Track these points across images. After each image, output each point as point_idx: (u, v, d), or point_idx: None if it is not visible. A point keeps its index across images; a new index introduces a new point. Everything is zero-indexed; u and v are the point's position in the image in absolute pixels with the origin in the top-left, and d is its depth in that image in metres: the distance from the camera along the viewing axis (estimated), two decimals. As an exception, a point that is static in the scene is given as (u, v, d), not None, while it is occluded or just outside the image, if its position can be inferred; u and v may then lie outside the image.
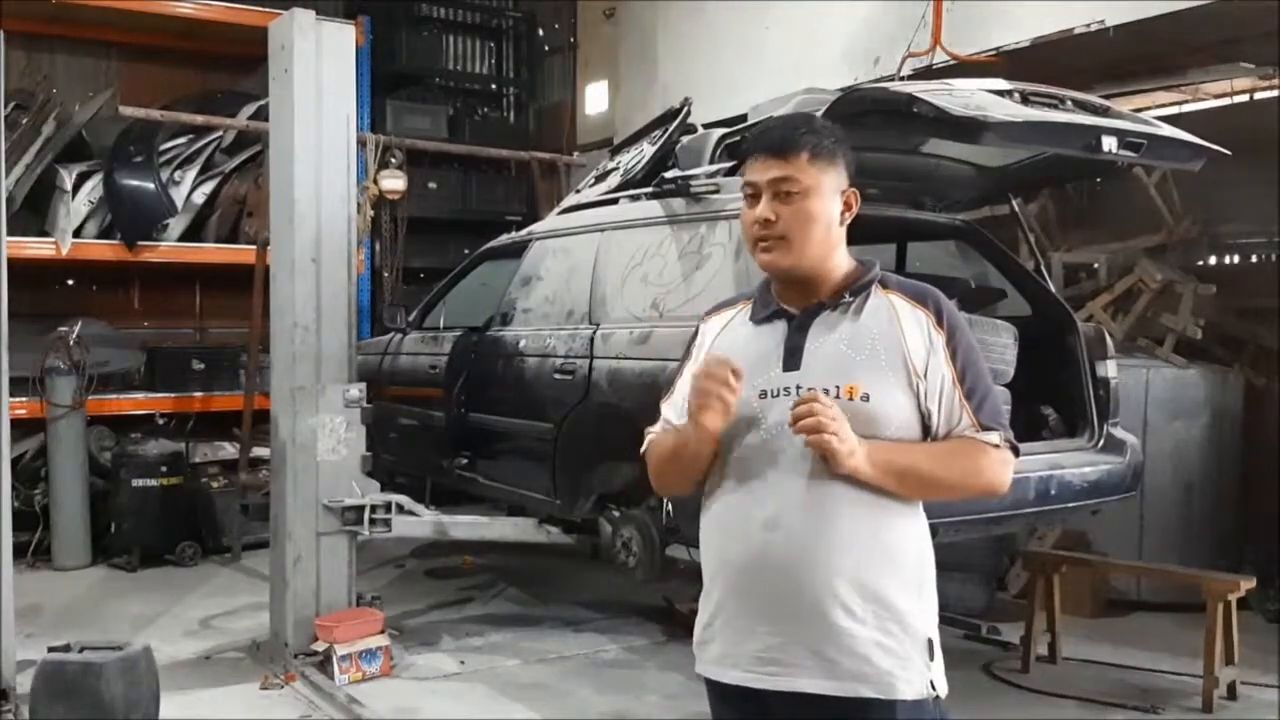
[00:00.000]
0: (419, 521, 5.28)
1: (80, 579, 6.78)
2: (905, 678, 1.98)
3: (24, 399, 6.72)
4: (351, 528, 5.03)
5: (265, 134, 6.35)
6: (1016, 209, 5.36)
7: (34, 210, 7.30)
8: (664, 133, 5.25)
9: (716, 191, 4.51)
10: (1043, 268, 5.16)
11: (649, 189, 5.01)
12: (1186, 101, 6.50)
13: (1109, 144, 3.82)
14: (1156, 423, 6.00)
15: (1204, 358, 6.35)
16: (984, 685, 4.89)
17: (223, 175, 7.95)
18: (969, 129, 3.65)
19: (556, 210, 6.23)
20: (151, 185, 7.39)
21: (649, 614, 5.93)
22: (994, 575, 5.92)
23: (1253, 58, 5.66)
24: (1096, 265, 6.79)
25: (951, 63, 5.97)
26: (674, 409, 2.22)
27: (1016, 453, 2.10)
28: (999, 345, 4.18)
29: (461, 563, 7.04)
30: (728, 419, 2.02)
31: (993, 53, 5.85)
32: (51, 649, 4.00)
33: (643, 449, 2.26)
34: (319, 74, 4.95)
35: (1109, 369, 4.75)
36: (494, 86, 10.06)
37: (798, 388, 2.02)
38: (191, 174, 7.75)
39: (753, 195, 2.11)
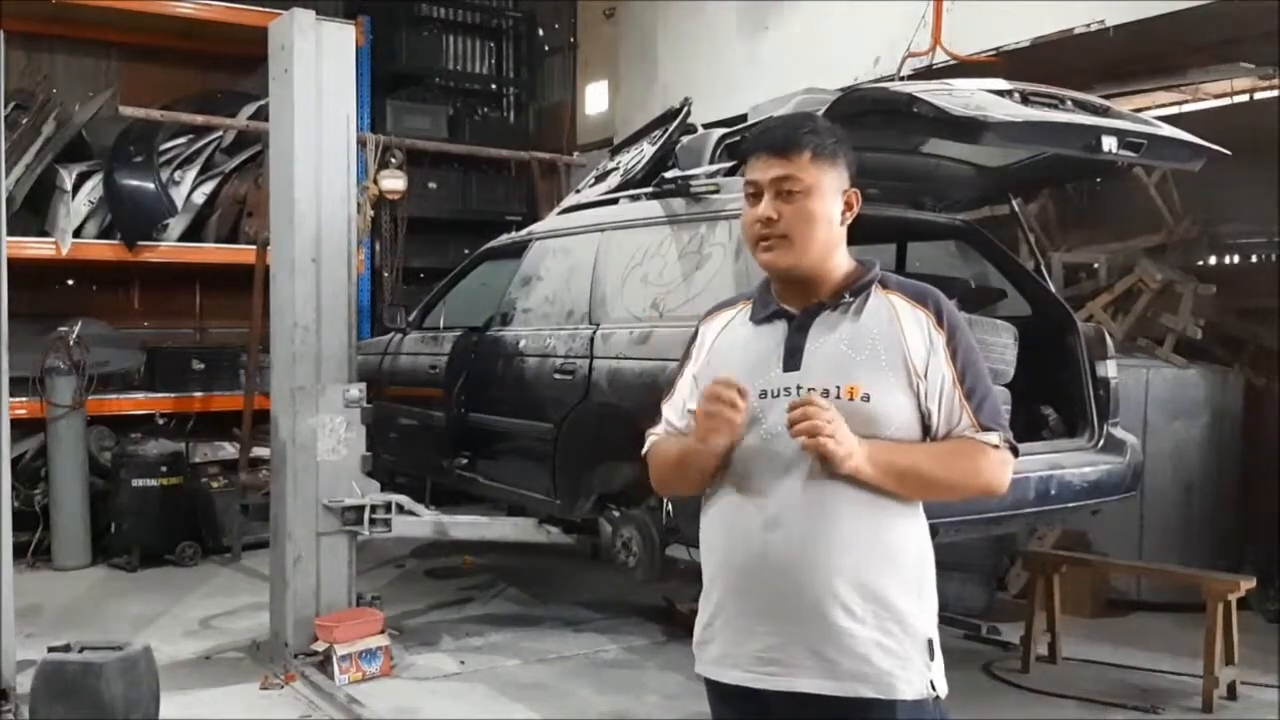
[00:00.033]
0: (419, 521, 5.28)
1: (80, 579, 6.78)
2: (905, 678, 1.98)
3: (24, 399, 6.72)
4: (351, 528, 5.04)
5: (265, 134, 6.35)
6: (1016, 209, 5.36)
7: (34, 210, 7.30)
8: (664, 133, 5.24)
9: (716, 191, 4.51)
10: (1043, 268, 5.16)
11: (649, 189, 5.01)
12: (1186, 101, 6.50)
13: (1109, 144, 3.82)
14: (1156, 423, 6.00)
15: (1204, 358, 6.34)
16: (984, 685, 4.89)
17: (223, 175, 7.95)
18: (969, 129, 3.65)
19: (556, 210, 6.22)
20: (151, 185, 7.39)
21: (649, 614, 5.93)
22: (994, 575, 5.92)
23: (1253, 58, 5.66)
24: (1096, 265, 6.78)
25: (951, 63, 5.97)
26: (674, 410, 2.23)
27: (1016, 453, 2.10)
28: (999, 345, 4.18)
29: (461, 563, 7.03)
30: (734, 437, 2.02)
31: (993, 53, 5.84)
32: (51, 649, 3.99)
33: (644, 450, 2.26)
34: (319, 74, 4.96)
35: (1109, 369, 4.75)
36: (494, 86, 10.05)
37: (798, 388, 2.02)
38: (191, 174, 7.75)
39: (754, 194, 2.11)
